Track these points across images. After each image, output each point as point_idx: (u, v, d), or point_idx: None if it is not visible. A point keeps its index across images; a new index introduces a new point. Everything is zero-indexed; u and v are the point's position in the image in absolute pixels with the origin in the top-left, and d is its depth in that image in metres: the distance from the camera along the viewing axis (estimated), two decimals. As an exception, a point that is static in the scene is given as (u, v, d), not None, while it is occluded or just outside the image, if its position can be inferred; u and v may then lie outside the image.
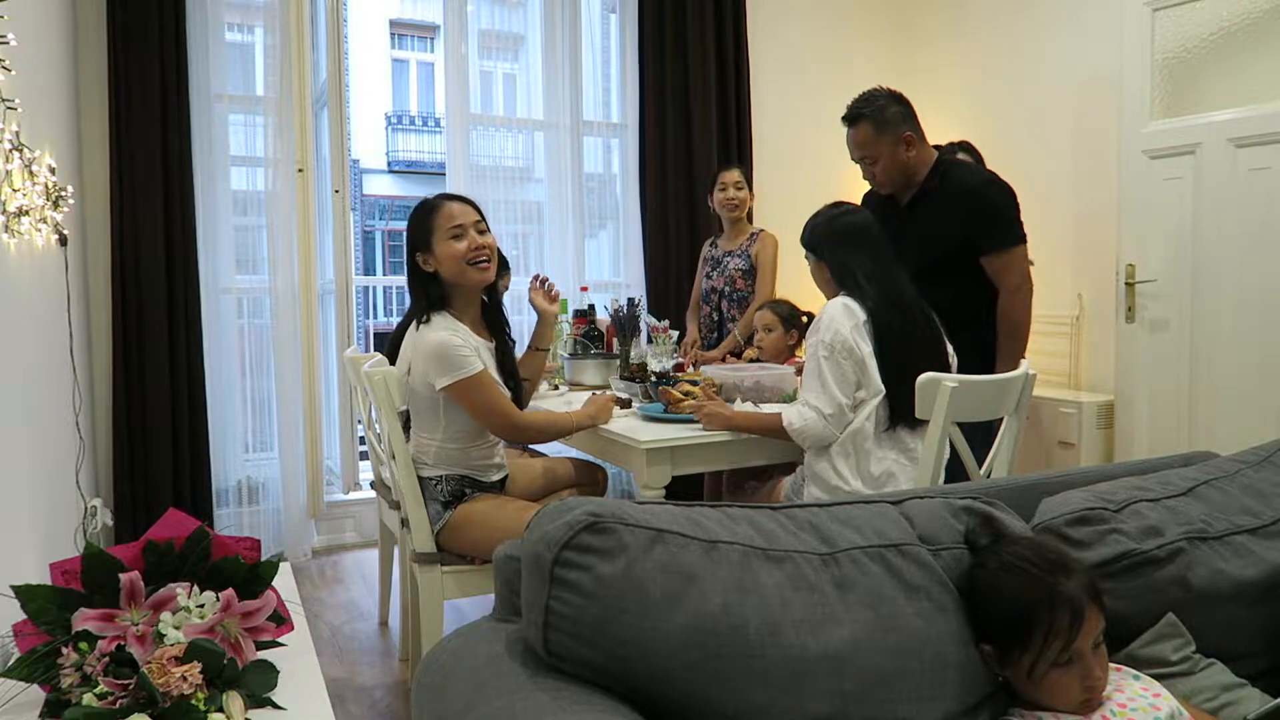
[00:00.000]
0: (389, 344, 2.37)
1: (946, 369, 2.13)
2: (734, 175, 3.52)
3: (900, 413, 2.07)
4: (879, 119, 2.49)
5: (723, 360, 3.29)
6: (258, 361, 3.65)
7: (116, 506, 3.29)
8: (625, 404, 2.57)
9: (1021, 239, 2.49)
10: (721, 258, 3.55)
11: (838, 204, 2.31)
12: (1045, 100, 3.89)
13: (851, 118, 2.54)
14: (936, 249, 2.47)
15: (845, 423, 2.09)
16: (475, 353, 2.10)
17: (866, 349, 2.06)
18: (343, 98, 3.74)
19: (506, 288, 3.04)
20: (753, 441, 2.29)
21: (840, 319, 2.08)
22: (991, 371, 2.46)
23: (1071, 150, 3.80)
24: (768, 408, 2.40)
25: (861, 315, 2.09)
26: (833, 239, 2.21)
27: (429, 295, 2.17)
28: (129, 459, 3.30)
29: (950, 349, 2.22)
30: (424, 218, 2.17)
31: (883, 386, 2.07)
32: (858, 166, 2.63)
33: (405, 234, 2.24)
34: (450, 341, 2.07)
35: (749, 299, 3.50)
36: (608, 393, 2.54)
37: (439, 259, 2.14)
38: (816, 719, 0.98)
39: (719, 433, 2.25)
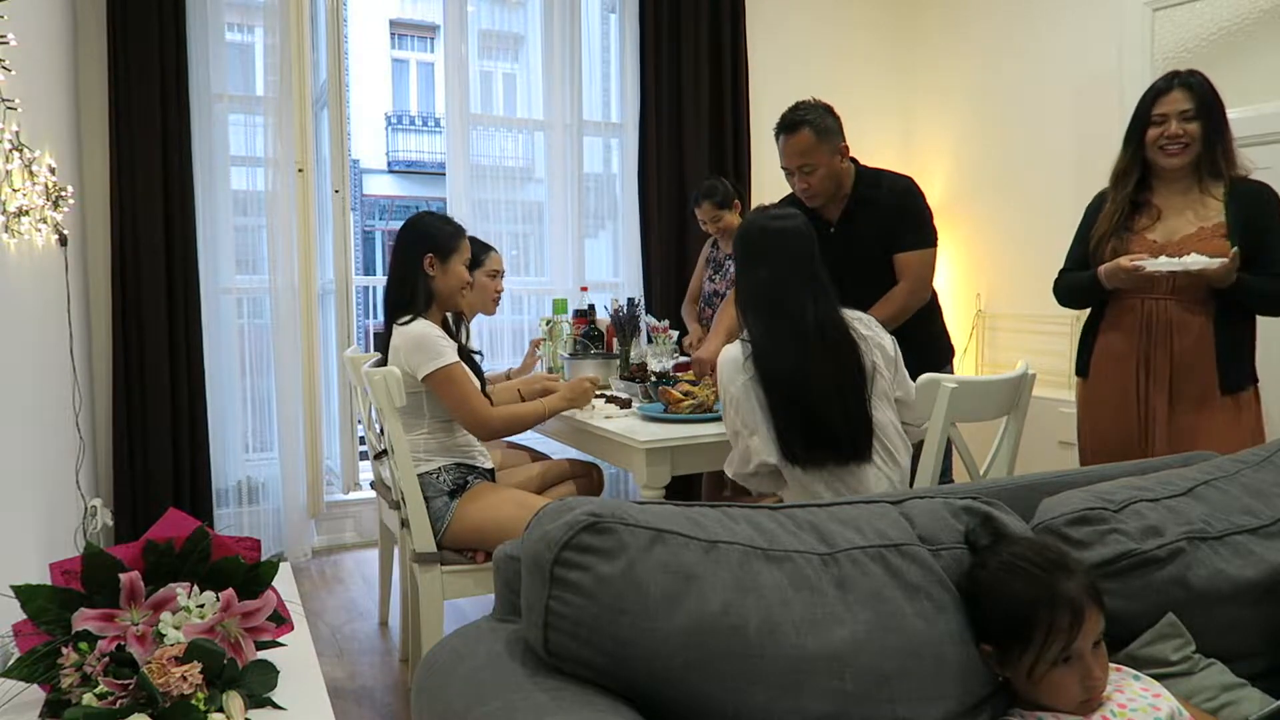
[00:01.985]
0: (379, 347, 2.41)
1: (861, 398, 1.91)
2: (704, 211, 3.40)
3: (791, 458, 1.88)
4: (819, 126, 2.50)
5: None
6: (258, 361, 3.65)
7: (116, 506, 3.29)
8: (625, 404, 2.57)
9: (935, 243, 2.62)
10: (723, 260, 3.54)
11: (766, 208, 2.13)
12: (1045, 100, 3.90)
13: (792, 125, 2.51)
14: (881, 250, 2.56)
15: (762, 473, 1.96)
16: (451, 347, 2.24)
17: (758, 413, 1.89)
18: (343, 98, 3.74)
19: (500, 271, 3.03)
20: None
21: (731, 374, 1.94)
22: (948, 360, 2.68)
23: (1071, 149, 3.80)
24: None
25: (750, 369, 1.90)
26: (742, 249, 2.00)
27: (425, 294, 2.29)
28: (129, 459, 3.30)
29: (874, 364, 1.97)
30: (452, 235, 2.32)
31: (766, 452, 1.89)
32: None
33: (419, 232, 2.31)
34: (432, 332, 2.22)
35: None
36: (585, 375, 2.56)
37: (449, 273, 2.30)
38: (816, 719, 0.98)
39: (719, 433, 2.25)
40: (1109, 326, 2.34)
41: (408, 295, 2.28)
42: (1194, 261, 2.12)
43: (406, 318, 2.26)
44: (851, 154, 2.62)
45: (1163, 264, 2.15)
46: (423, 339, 2.20)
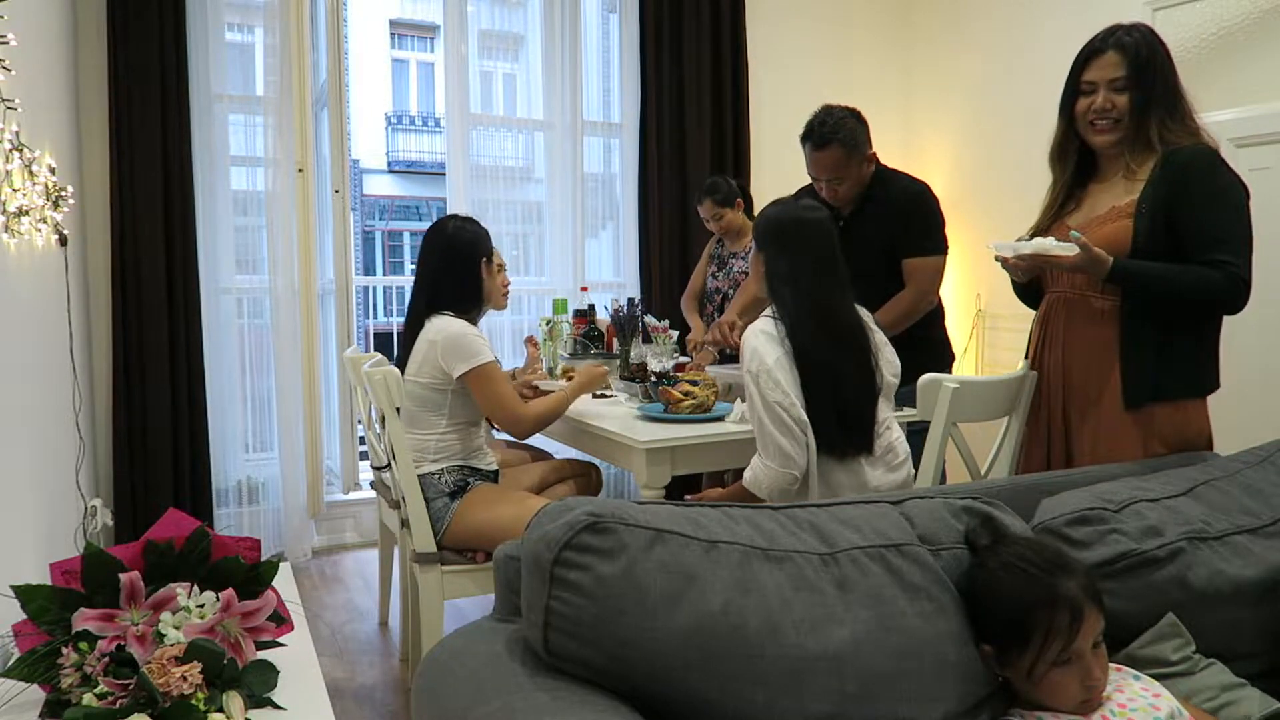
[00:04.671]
0: (404, 339, 2.39)
1: (874, 396, 1.97)
2: (706, 209, 3.42)
3: (827, 445, 1.89)
4: (850, 142, 2.48)
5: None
6: (258, 361, 3.64)
7: (116, 506, 3.28)
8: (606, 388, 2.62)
9: (945, 251, 2.58)
10: (727, 258, 3.54)
11: (799, 196, 2.14)
12: (1045, 99, 3.88)
13: (822, 142, 2.48)
14: (885, 250, 2.57)
15: (801, 462, 1.88)
16: (488, 346, 2.27)
17: (791, 385, 1.88)
18: (343, 98, 3.74)
19: (503, 265, 3.07)
20: (753, 442, 2.29)
21: (765, 347, 1.90)
22: (948, 366, 2.66)
23: (1071, 150, 3.80)
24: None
25: (786, 345, 1.90)
26: (774, 237, 2.01)
27: (481, 294, 2.39)
28: (129, 459, 3.30)
29: (886, 371, 2.03)
30: (489, 238, 2.43)
31: (806, 424, 1.87)
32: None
33: (472, 235, 2.39)
34: (469, 331, 2.26)
35: None
36: (596, 364, 2.62)
37: (493, 275, 2.43)
38: (816, 719, 0.98)
39: (719, 433, 2.25)
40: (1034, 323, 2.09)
41: (470, 296, 2.35)
42: (1029, 245, 1.80)
43: (448, 313, 2.29)
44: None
45: (1006, 247, 1.85)
46: (460, 338, 2.22)
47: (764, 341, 1.92)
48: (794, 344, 1.90)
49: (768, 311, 2.00)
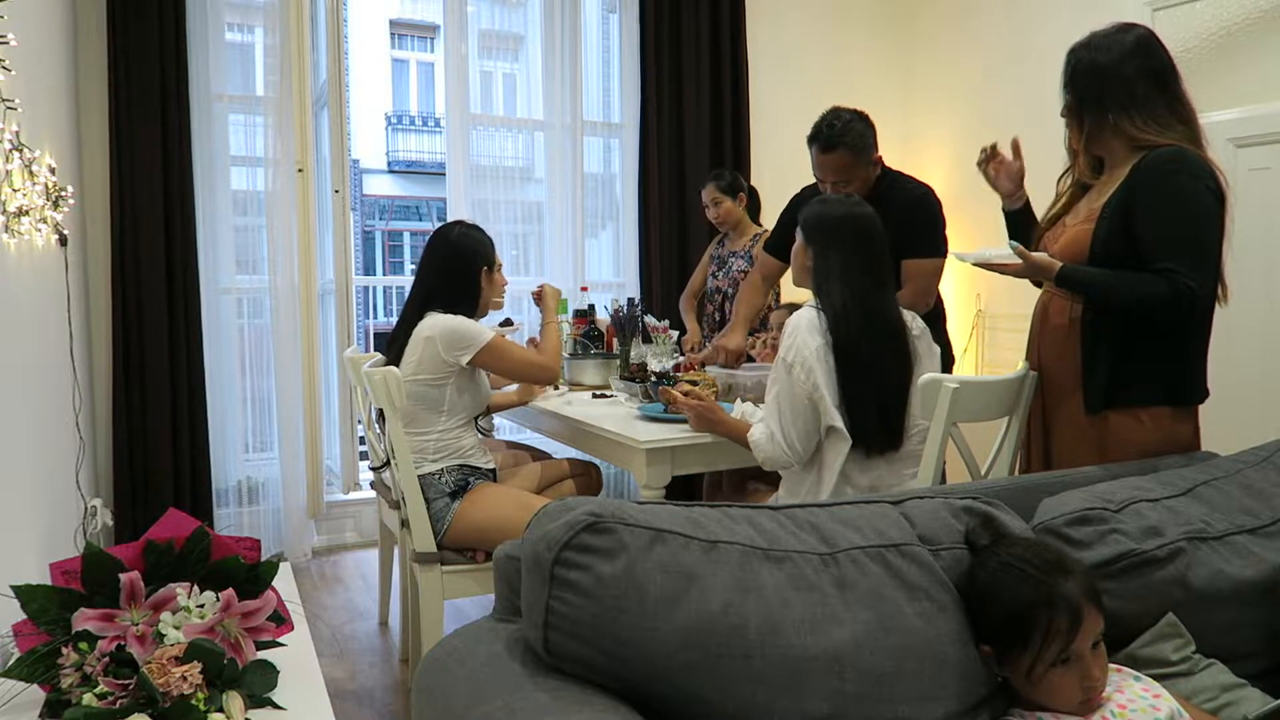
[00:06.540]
0: (391, 340, 2.39)
1: (907, 394, 1.97)
2: (707, 193, 3.48)
3: (860, 438, 1.91)
4: (858, 145, 2.48)
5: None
6: (258, 361, 3.65)
7: (116, 506, 3.29)
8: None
9: (944, 253, 2.58)
10: (727, 258, 3.55)
11: (850, 194, 2.18)
12: (1045, 99, 3.88)
13: (828, 145, 2.47)
14: (890, 251, 2.55)
15: (803, 453, 1.95)
16: (481, 325, 2.32)
17: (824, 377, 1.90)
18: (343, 98, 3.74)
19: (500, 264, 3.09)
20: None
21: (806, 336, 1.92)
22: (948, 369, 2.60)
23: (1071, 150, 3.80)
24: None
25: (828, 337, 1.92)
26: (825, 233, 2.02)
27: (478, 301, 2.40)
28: (129, 459, 3.30)
29: (925, 369, 2.04)
30: (491, 248, 2.46)
31: (836, 417, 1.90)
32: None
33: (475, 247, 2.41)
34: (463, 319, 2.30)
35: None
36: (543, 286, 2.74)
37: (493, 283, 2.46)
38: (816, 719, 0.98)
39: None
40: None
41: (466, 302, 2.36)
42: (972, 255, 1.84)
43: (439, 311, 2.30)
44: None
45: (965, 256, 1.88)
46: (457, 328, 2.26)
47: (806, 330, 1.94)
48: (837, 338, 1.92)
49: (811, 302, 2.02)
